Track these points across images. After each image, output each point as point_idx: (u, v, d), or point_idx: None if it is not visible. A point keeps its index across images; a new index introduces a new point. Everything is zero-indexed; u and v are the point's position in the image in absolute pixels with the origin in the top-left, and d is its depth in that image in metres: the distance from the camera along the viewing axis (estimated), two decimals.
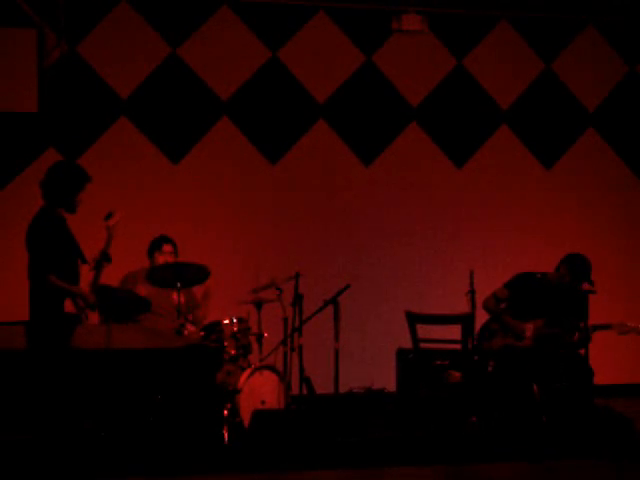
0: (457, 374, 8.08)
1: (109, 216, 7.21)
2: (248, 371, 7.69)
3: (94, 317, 7.35)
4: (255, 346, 8.10)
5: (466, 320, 8.01)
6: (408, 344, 8.38)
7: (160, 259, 8.21)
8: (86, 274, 7.19)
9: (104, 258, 7.10)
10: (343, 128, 10.02)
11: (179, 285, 7.72)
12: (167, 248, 8.24)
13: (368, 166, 10.10)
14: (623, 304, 9.91)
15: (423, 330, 8.31)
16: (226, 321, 7.89)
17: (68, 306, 7.01)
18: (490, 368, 7.94)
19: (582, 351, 7.94)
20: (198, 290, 8.37)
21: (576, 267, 8.07)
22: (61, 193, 7.04)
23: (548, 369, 7.91)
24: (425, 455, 7.16)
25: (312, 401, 8.37)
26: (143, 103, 9.59)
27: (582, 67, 10.48)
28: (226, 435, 7.20)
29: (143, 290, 7.97)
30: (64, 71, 9.38)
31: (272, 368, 7.88)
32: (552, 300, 8.16)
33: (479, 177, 10.29)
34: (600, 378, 8.03)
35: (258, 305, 8.20)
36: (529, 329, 8.07)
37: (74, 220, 7.21)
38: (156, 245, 8.28)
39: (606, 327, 7.96)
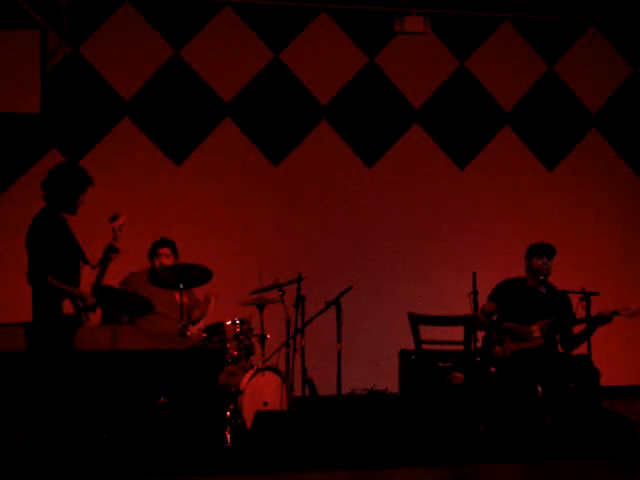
0: (460, 375, 8.08)
1: (114, 218, 7.22)
2: (250, 372, 7.68)
3: (96, 318, 7.35)
4: (257, 347, 8.10)
5: (469, 321, 8.01)
6: (411, 345, 8.38)
7: (156, 262, 8.24)
8: (87, 275, 7.19)
9: (112, 250, 7.11)
10: (345, 129, 10.03)
11: (182, 286, 7.72)
12: (163, 251, 8.27)
13: (371, 167, 10.10)
14: (625, 305, 9.89)
15: (425, 331, 8.31)
16: (228, 322, 7.89)
17: (68, 307, 7.01)
18: (494, 369, 7.93)
19: (586, 352, 7.93)
20: (198, 291, 8.37)
21: (551, 251, 8.33)
22: (62, 195, 7.05)
23: (555, 370, 7.90)
24: (428, 456, 7.15)
25: (314, 402, 8.37)
26: (146, 104, 9.60)
27: (585, 69, 10.48)
28: (229, 436, 7.19)
29: (145, 291, 7.97)
30: (67, 72, 9.39)
31: (274, 369, 7.87)
32: (541, 301, 8.18)
33: (481, 178, 10.29)
34: (603, 379, 8.02)
35: (260, 306, 8.20)
36: (535, 330, 8.08)
37: (77, 221, 7.22)
38: (153, 249, 8.31)
39: (614, 313, 7.97)
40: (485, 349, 8.14)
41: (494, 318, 8.25)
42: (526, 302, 8.18)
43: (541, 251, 8.31)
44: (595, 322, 7.92)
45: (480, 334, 8.14)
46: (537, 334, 8.07)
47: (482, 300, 8.19)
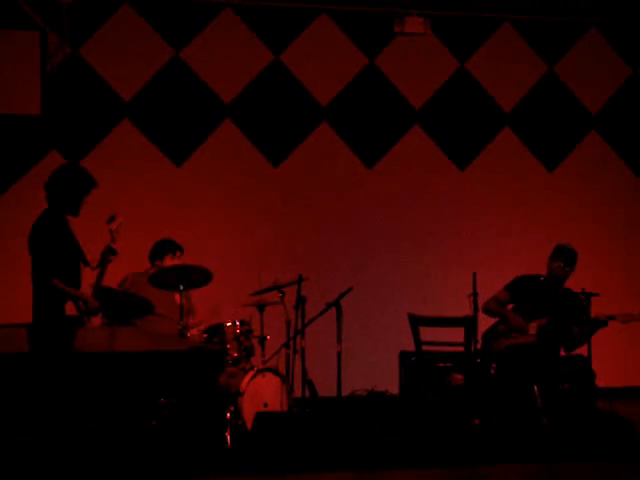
0: (460, 376, 8.07)
1: (112, 219, 7.20)
2: (251, 374, 7.68)
3: (97, 319, 7.35)
4: (258, 349, 8.10)
5: (469, 322, 8.01)
6: (411, 347, 8.38)
7: (174, 262, 8.17)
8: (88, 276, 7.18)
9: (109, 252, 7.09)
10: (346, 130, 10.03)
11: (182, 287, 7.72)
12: (179, 254, 8.26)
13: (371, 168, 10.11)
14: (626, 305, 9.89)
15: (426, 332, 8.31)
16: (229, 323, 7.89)
17: (70, 309, 7.00)
18: (493, 370, 7.93)
19: (585, 353, 7.94)
20: (194, 295, 8.37)
21: (570, 258, 8.25)
22: (66, 196, 7.02)
23: (550, 370, 7.91)
24: (428, 458, 7.16)
25: (315, 404, 8.37)
26: (146, 106, 9.61)
27: (585, 70, 10.48)
28: (229, 438, 7.19)
29: (145, 292, 7.96)
30: (67, 74, 9.40)
31: (275, 371, 7.87)
32: (554, 301, 8.18)
33: (482, 179, 10.30)
34: (603, 381, 8.03)
35: (261, 308, 8.21)
36: (532, 327, 8.08)
37: (76, 222, 7.21)
38: (170, 249, 8.25)
39: (610, 318, 7.97)
40: (484, 346, 8.13)
41: (510, 307, 8.24)
42: (539, 300, 8.17)
43: (557, 254, 8.26)
44: (591, 325, 7.92)
45: (479, 335, 8.14)
46: (532, 331, 8.07)
47: (482, 301, 8.19)
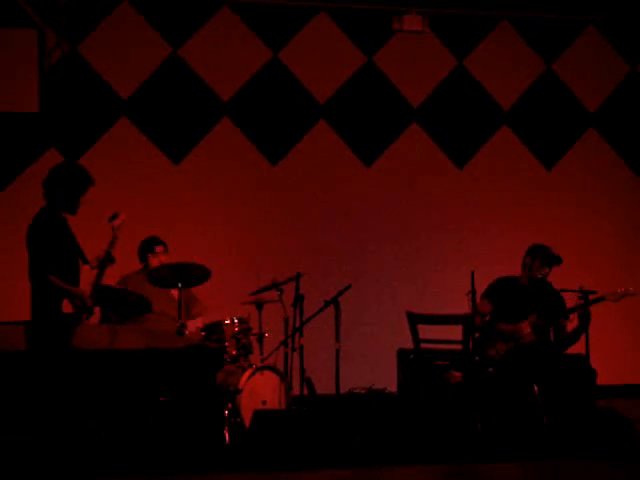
0: (458, 374, 8.07)
1: (114, 217, 7.21)
2: (249, 371, 7.69)
3: (95, 317, 7.34)
4: (256, 346, 8.10)
5: (467, 320, 8.00)
6: (409, 344, 8.38)
7: (155, 261, 8.18)
8: (87, 274, 7.18)
9: (108, 259, 7.09)
10: (344, 129, 10.03)
11: (180, 285, 7.72)
12: (159, 249, 8.25)
13: (369, 167, 10.10)
14: (624, 304, 9.89)
15: (424, 330, 8.31)
16: (227, 321, 7.89)
17: (68, 306, 7.00)
18: (491, 369, 7.93)
19: (583, 350, 7.94)
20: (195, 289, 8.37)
21: (548, 256, 8.18)
22: (63, 195, 7.03)
23: (550, 369, 7.90)
24: (426, 455, 7.16)
25: (313, 401, 8.37)
26: (144, 103, 9.60)
27: (583, 67, 10.48)
28: (227, 435, 7.19)
29: (142, 291, 7.95)
30: (65, 71, 9.39)
31: (273, 368, 7.88)
32: (535, 296, 8.17)
33: (480, 178, 10.29)
34: (602, 379, 8.02)
35: (259, 305, 8.20)
36: (525, 327, 8.07)
37: (75, 220, 7.21)
38: (148, 247, 8.27)
39: (600, 299, 7.95)
40: (476, 351, 8.11)
41: (486, 318, 8.25)
42: (519, 301, 8.17)
43: (550, 261, 8.22)
44: (584, 313, 7.89)
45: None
46: (527, 330, 8.07)
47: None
